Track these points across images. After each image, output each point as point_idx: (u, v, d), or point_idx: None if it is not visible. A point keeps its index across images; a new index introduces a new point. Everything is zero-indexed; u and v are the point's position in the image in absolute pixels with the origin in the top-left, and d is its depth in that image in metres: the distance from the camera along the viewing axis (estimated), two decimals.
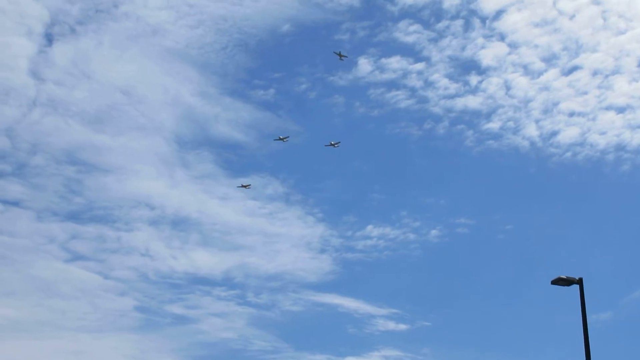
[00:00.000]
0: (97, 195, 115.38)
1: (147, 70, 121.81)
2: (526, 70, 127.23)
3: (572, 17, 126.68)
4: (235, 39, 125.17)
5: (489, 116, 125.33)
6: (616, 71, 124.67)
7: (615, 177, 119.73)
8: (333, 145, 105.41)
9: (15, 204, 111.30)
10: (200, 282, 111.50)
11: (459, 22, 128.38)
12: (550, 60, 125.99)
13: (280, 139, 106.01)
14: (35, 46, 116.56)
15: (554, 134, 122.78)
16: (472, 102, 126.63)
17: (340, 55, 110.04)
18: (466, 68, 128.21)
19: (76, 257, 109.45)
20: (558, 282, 33.69)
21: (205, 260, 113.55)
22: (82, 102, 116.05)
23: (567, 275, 33.70)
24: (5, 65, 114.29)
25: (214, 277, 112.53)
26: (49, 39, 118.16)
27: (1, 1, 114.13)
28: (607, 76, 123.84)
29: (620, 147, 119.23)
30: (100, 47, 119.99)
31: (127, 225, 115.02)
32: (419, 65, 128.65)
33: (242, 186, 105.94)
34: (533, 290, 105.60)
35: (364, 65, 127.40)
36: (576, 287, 33.80)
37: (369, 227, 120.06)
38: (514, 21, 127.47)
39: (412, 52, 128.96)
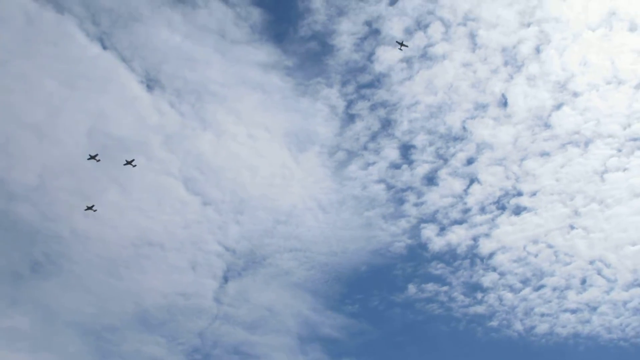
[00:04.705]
0: None
1: (281, 296, 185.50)
2: (511, 288, 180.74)
3: (536, 255, 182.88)
4: (333, 276, 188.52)
5: (490, 318, 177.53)
6: (568, 287, 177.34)
7: (575, 355, 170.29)
8: (93, 157, 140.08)
9: None
10: None
11: (467, 261, 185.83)
12: (525, 282, 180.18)
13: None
14: (217, 284, 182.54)
15: (533, 327, 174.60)
16: (479, 309, 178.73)
17: (401, 44, 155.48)
18: (474, 289, 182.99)
19: None
20: None
21: None
22: (243, 316, 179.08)
23: None
24: (199, 295, 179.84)
25: None
26: (225, 279, 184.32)
27: (198, 258, 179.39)
28: (562, 291, 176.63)
29: (576, 335, 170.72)
30: (254, 283, 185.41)
31: None
32: (445, 288, 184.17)
33: (128, 162, 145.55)
34: None
35: (412, 288, 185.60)
36: None
37: None
38: (501, 259, 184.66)
39: (440, 280, 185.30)
